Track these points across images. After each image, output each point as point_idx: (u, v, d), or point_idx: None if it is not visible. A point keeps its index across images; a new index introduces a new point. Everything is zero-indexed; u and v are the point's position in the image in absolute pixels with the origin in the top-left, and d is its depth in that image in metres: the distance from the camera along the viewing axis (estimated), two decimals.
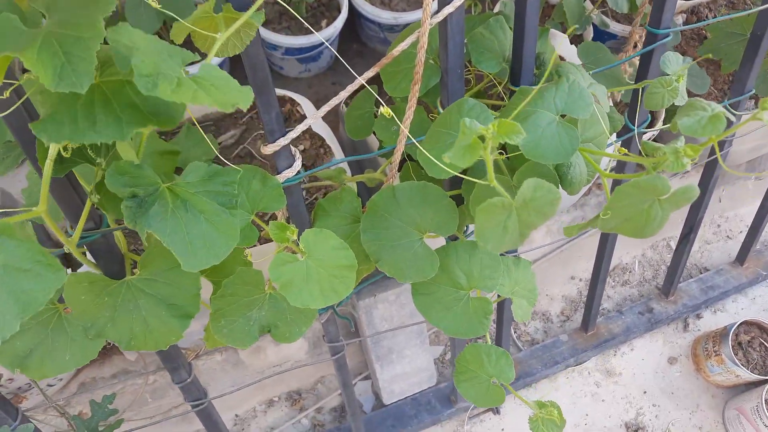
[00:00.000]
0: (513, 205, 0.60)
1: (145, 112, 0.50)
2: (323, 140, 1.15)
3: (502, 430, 1.44)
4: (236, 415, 1.43)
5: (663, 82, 0.80)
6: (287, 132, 0.70)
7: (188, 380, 0.94)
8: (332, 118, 1.34)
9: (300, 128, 0.72)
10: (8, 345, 0.65)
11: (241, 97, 0.51)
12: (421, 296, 0.82)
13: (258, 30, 0.60)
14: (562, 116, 0.69)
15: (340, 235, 0.75)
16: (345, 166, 1.08)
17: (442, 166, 0.67)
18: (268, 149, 0.70)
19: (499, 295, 0.89)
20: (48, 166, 0.53)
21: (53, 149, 0.52)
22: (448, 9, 0.67)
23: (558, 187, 0.78)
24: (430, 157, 0.68)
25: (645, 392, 1.50)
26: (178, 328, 0.71)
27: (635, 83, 0.94)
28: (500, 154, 0.77)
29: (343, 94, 0.74)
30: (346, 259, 0.73)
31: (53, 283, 0.50)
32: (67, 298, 0.67)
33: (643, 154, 0.68)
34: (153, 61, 0.45)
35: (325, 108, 0.72)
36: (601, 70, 0.94)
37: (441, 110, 0.82)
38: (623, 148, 0.80)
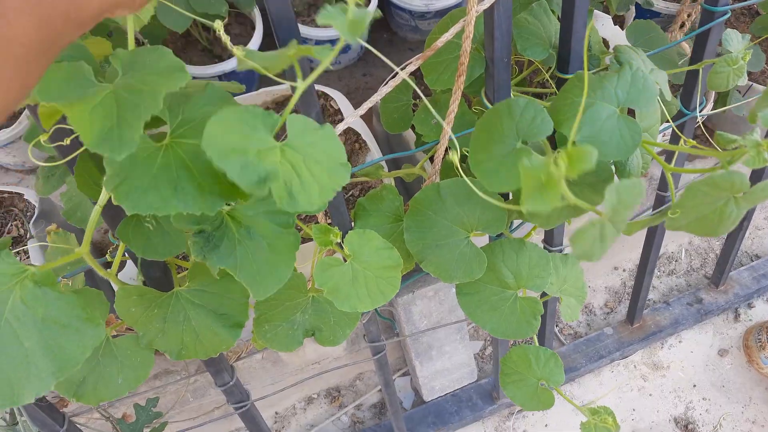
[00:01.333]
0: (604, 217, 0.56)
1: (228, 184, 0.44)
2: (358, 135, 1.12)
3: (546, 425, 1.40)
4: (276, 413, 1.42)
5: (729, 61, 0.75)
6: None
7: (231, 383, 0.93)
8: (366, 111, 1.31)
9: (341, 127, 0.69)
10: None
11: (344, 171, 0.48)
12: (466, 296, 0.79)
13: (297, 27, 0.57)
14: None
15: (382, 235, 0.73)
16: (382, 161, 1.05)
17: (495, 178, 0.63)
18: None
19: (544, 294, 0.85)
20: (96, 212, 0.51)
21: (104, 197, 0.50)
22: None
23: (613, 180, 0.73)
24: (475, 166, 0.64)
25: (694, 386, 1.45)
26: (228, 338, 0.69)
27: (691, 64, 0.89)
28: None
29: (384, 89, 0.71)
30: (391, 259, 0.71)
31: (91, 340, 0.48)
32: (119, 310, 0.66)
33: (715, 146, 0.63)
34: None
35: (367, 105, 0.69)
36: (657, 52, 0.88)
37: (484, 100, 0.78)
38: (691, 140, 0.75)
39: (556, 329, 1.50)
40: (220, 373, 0.92)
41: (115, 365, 0.67)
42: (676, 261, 1.59)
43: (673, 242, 1.61)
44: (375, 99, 0.69)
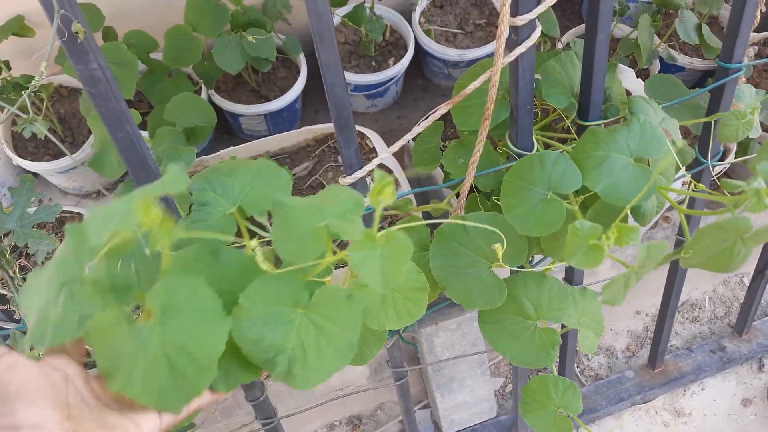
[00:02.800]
0: (632, 269, 0.62)
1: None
2: (390, 171, 1.20)
3: None
4: None
5: (737, 115, 0.80)
6: (364, 165, 0.75)
7: (261, 398, 0.99)
8: (398, 150, 1.39)
9: (376, 162, 0.76)
10: None
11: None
12: (488, 324, 0.84)
13: (343, 73, 0.65)
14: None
15: None
16: (411, 196, 1.12)
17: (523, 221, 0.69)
18: (347, 181, 0.74)
19: (563, 326, 0.89)
20: None
21: None
22: (520, 49, 0.70)
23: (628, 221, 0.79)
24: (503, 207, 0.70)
25: None
26: None
27: (706, 116, 0.94)
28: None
29: (417, 129, 0.78)
30: (419, 282, 0.76)
31: None
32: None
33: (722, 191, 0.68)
34: None
35: (399, 143, 0.77)
36: (672, 104, 0.94)
37: (508, 142, 0.85)
38: (701, 184, 0.81)
39: (577, 370, 1.51)
40: (251, 389, 0.97)
41: None
42: (699, 308, 1.60)
43: (697, 290, 1.62)
44: (407, 138, 0.76)
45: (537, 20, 0.69)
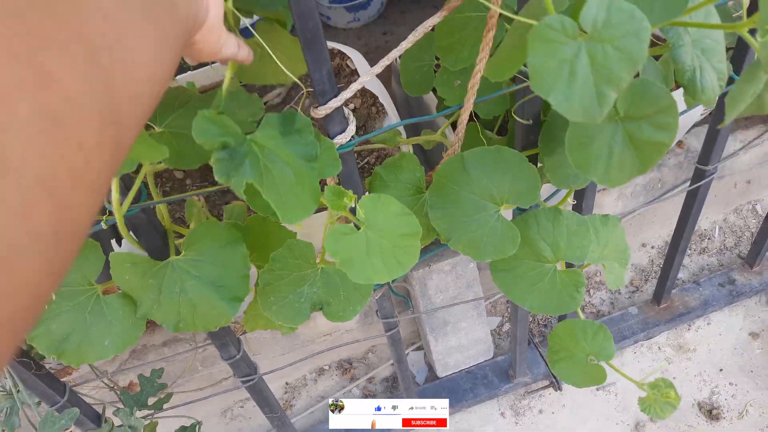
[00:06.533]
0: (580, 35, 0.43)
1: None
2: (375, 98, 1.05)
3: (563, 405, 1.36)
4: (287, 383, 1.40)
5: None
6: (340, 92, 0.61)
7: (237, 356, 0.90)
8: (384, 72, 1.23)
9: (354, 87, 0.62)
10: (44, 329, 0.61)
11: None
12: (501, 273, 0.73)
13: None
14: None
15: None
16: (400, 127, 0.98)
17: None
18: (320, 112, 0.61)
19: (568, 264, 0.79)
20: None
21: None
22: None
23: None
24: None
25: (721, 370, 1.39)
26: (227, 312, 0.65)
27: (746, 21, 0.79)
28: None
29: (404, 45, 0.64)
30: (409, 226, 0.64)
31: None
32: (114, 277, 0.62)
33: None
34: None
35: (384, 62, 0.62)
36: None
37: None
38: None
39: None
40: (225, 347, 0.88)
41: (104, 325, 0.64)
42: (708, 239, 1.51)
43: (706, 219, 1.52)
44: (394, 55, 0.62)
45: None
